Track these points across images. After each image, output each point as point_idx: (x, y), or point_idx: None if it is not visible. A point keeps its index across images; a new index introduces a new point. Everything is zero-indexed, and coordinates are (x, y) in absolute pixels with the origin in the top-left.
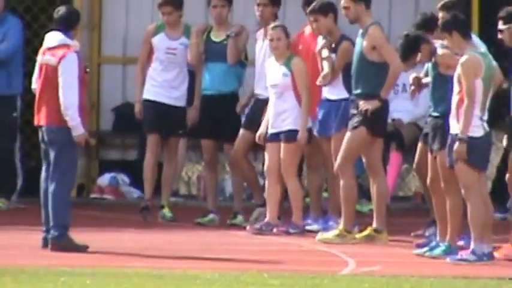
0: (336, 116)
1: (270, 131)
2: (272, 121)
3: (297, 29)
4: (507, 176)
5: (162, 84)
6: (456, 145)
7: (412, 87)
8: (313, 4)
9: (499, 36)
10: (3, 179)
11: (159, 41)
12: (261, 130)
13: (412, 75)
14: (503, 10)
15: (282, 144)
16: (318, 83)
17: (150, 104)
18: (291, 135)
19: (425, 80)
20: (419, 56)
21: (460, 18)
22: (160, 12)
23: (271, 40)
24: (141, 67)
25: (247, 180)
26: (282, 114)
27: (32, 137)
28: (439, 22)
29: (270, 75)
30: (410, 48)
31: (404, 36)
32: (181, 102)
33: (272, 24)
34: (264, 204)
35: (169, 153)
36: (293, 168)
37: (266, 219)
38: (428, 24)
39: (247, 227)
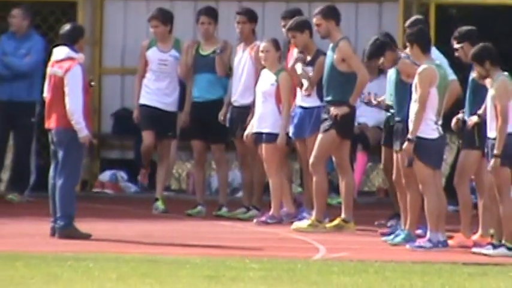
0: (310, 121)
1: (254, 130)
2: (255, 122)
3: None
4: (454, 180)
5: (155, 92)
6: (405, 145)
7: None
8: (290, 22)
9: (456, 53)
10: (18, 176)
11: (152, 54)
12: (248, 130)
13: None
14: (456, 31)
15: (263, 145)
16: (303, 94)
17: (145, 108)
18: (269, 138)
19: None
20: (382, 61)
21: (421, 34)
22: (150, 25)
23: (261, 52)
24: (139, 78)
25: (257, 181)
26: (263, 117)
27: (42, 138)
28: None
29: (261, 81)
30: (375, 52)
31: (373, 39)
32: (173, 108)
33: (265, 39)
34: (257, 208)
35: (162, 154)
36: (273, 166)
37: (270, 213)
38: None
39: (254, 220)
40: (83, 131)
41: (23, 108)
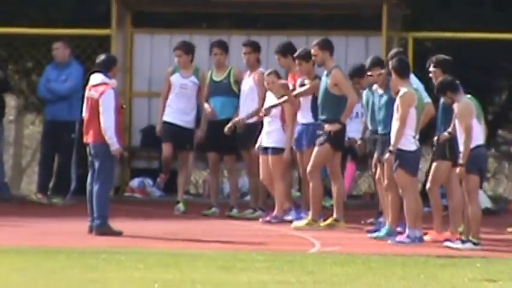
0: (307, 136)
1: (262, 145)
2: (263, 137)
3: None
4: (427, 185)
5: (176, 111)
6: (387, 155)
7: None
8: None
9: (430, 75)
10: (61, 183)
11: (175, 79)
12: (258, 144)
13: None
14: (434, 56)
15: (270, 157)
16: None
17: (167, 124)
18: (275, 151)
19: None
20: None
21: (397, 64)
22: (174, 55)
23: (267, 84)
24: (163, 99)
25: (262, 186)
26: (270, 133)
27: (81, 151)
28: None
29: (267, 103)
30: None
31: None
32: (191, 125)
33: (267, 72)
34: (263, 209)
35: (182, 164)
36: (277, 174)
37: (274, 213)
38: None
39: (260, 219)
40: (114, 145)
41: (65, 126)
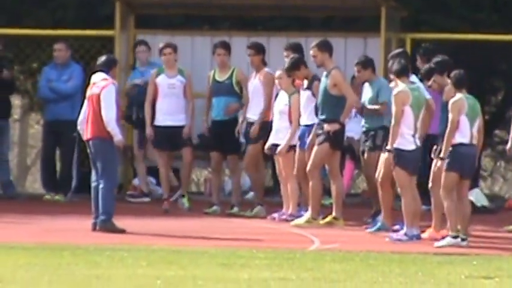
0: (308, 136)
1: (272, 141)
2: (273, 135)
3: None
4: (429, 185)
5: (167, 112)
6: (386, 154)
7: None
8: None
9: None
10: (63, 181)
11: (161, 80)
12: (268, 143)
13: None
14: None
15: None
16: None
17: (159, 130)
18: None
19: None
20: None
21: (395, 67)
22: (163, 53)
23: (276, 79)
24: (149, 103)
25: (258, 182)
26: (279, 131)
27: (85, 149)
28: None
29: (277, 102)
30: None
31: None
32: (184, 122)
33: (279, 69)
34: (261, 204)
35: (185, 160)
36: (288, 171)
37: (289, 212)
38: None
39: (268, 217)
40: (117, 136)
41: (66, 126)
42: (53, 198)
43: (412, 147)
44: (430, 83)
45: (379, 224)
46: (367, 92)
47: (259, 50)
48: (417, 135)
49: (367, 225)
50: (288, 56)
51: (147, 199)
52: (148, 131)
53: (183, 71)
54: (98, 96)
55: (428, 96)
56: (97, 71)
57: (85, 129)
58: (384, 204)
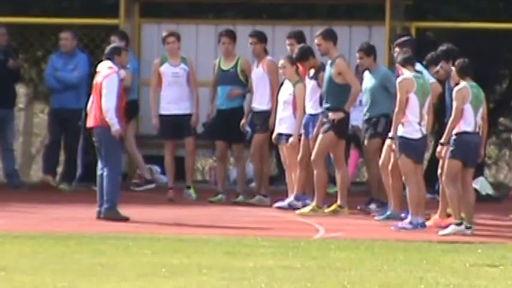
0: (314, 125)
1: (276, 130)
2: (277, 124)
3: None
4: (439, 171)
5: (172, 101)
6: (388, 141)
7: None
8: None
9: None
10: (68, 170)
11: (165, 69)
12: (275, 133)
13: None
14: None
15: (283, 144)
16: None
17: (165, 118)
18: (287, 138)
19: None
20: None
21: (401, 56)
22: (166, 42)
23: (280, 68)
24: (154, 92)
25: (263, 173)
26: (282, 121)
27: (90, 139)
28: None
29: (281, 91)
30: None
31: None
32: (189, 110)
33: (282, 58)
34: (265, 195)
35: (188, 149)
36: (293, 161)
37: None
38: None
39: (273, 205)
40: (114, 126)
41: (72, 115)
42: (54, 182)
43: (418, 135)
44: (437, 68)
45: (388, 212)
46: (369, 80)
47: (261, 38)
48: (423, 123)
49: (374, 214)
50: (291, 44)
51: (151, 185)
52: (154, 121)
53: (186, 59)
54: (101, 84)
55: (432, 80)
56: (104, 60)
57: (88, 116)
58: (394, 192)
